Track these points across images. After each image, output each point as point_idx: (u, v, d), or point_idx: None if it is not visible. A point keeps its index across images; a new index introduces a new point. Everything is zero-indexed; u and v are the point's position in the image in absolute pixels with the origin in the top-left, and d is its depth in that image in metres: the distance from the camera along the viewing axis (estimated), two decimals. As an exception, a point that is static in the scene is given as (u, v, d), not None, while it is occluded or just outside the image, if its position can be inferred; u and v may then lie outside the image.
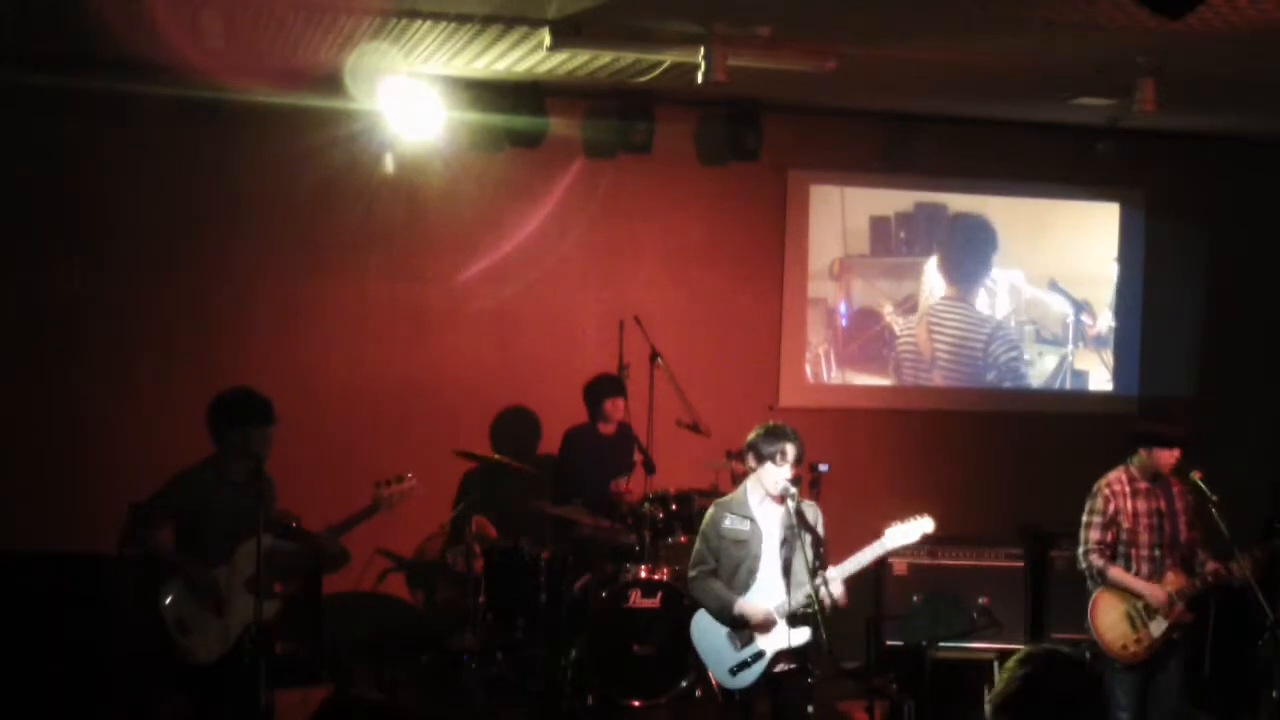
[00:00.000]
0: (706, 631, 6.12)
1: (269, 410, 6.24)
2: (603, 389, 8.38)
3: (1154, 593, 6.54)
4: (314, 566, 7.66)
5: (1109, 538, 6.64)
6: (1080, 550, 6.70)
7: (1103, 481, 6.73)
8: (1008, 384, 9.75)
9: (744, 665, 6.00)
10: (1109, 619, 6.61)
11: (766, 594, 5.99)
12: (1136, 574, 6.62)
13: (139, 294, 8.40)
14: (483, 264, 8.92)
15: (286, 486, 6.51)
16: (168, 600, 6.03)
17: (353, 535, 6.55)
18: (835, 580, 5.88)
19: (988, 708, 3.40)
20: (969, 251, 9.70)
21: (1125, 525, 6.63)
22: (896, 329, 9.61)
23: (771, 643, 5.99)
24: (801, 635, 5.94)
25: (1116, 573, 6.60)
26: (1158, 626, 6.55)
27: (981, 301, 9.77)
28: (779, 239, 9.45)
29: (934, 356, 9.64)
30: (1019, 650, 3.50)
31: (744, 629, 6.00)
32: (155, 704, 6.77)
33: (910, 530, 6.00)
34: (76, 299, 8.29)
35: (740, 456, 6.22)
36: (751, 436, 6.05)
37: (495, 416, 8.93)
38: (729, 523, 6.03)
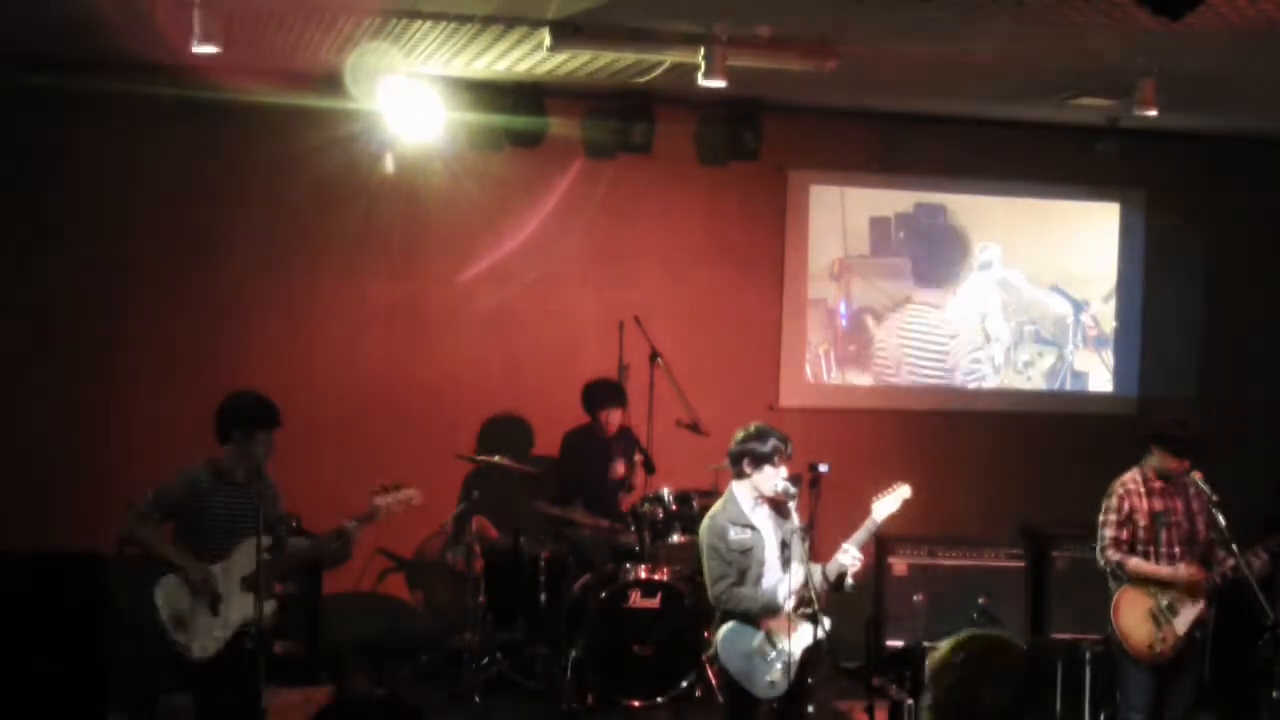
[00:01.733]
0: (735, 648, 6.02)
1: (275, 414, 6.27)
2: (600, 399, 8.30)
3: (1177, 573, 6.49)
4: (314, 565, 7.66)
5: (1124, 535, 6.61)
6: (1098, 548, 6.67)
7: (1118, 481, 6.72)
8: (971, 384, 9.73)
9: (779, 672, 5.98)
10: (1133, 618, 6.56)
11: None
12: None
13: (139, 294, 8.40)
14: (483, 264, 8.92)
15: (285, 486, 6.51)
16: (162, 596, 6.03)
17: (352, 535, 6.57)
18: (851, 550, 6.00)
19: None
20: (931, 255, 9.66)
21: (1141, 523, 6.61)
22: (877, 331, 9.61)
23: (797, 643, 5.97)
24: (823, 630, 5.89)
25: (1135, 562, 6.54)
26: (1182, 623, 6.50)
27: (967, 299, 9.73)
28: (779, 239, 9.44)
29: (900, 360, 9.62)
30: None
31: (772, 632, 5.98)
32: (155, 703, 6.78)
33: (891, 501, 6.20)
34: (77, 299, 8.29)
35: (732, 465, 6.07)
36: (739, 444, 5.99)
37: (495, 417, 8.93)
38: (734, 534, 5.98)
